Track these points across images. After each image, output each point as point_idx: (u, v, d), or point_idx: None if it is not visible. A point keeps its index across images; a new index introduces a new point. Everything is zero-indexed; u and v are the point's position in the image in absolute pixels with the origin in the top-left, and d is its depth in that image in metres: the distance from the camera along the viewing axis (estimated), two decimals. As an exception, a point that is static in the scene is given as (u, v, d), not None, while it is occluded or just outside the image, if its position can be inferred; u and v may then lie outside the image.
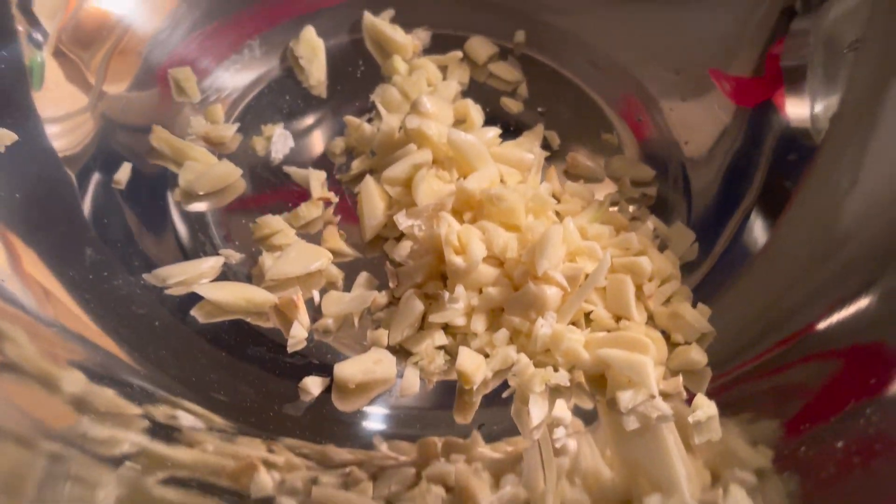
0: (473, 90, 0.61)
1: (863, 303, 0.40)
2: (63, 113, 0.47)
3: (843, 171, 0.44)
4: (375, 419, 0.43)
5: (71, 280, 0.43)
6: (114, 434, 0.34)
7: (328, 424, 0.41)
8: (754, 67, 0.54)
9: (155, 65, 0.55)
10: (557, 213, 0.51)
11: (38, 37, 0.48)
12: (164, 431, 0.36)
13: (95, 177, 0.49)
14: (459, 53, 0.62)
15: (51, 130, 0.47)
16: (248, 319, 0.47)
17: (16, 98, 0.46)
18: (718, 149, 0.55)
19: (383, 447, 0.41)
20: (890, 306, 0.39)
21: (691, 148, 0.56)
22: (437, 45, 0.63)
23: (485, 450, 0.42)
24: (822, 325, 0.43)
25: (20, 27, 0.47)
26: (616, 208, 0.54)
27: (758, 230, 0.50)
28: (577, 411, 0.43)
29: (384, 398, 0.44)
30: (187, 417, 0.38)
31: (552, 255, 0.44)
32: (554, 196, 0.54)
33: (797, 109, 0.50)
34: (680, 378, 0.43)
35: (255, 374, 0.44)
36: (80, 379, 0.36)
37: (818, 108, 0.48)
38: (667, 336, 0.46)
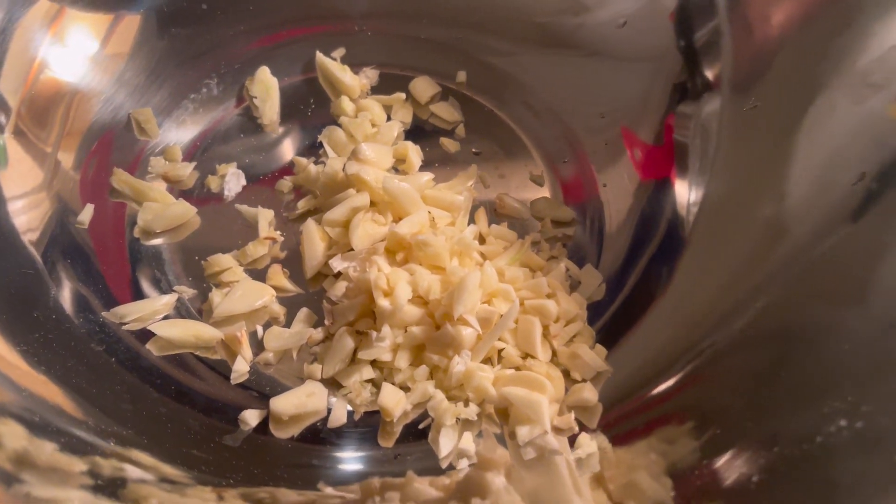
0: (415, 129, 0.66)
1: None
2: (24, 190, 0.52)
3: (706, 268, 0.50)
4: (320, 457, 0.48)
5: (35, 320, 0.48)
6: (56, 494, 0.38)
7: (270, 463, 0.47)
8: (655, 136, 0.59)
9: (109, 125, 0.60)
10: (482, 255, 0.57)
11: (2, 118, 0.52)
12: (110, 488, 0.39)
13: (53, 222, 0.54)
14: (403, 95, 0.67)
15: (14, 207, 0.51)
16: (197, 353, 0.52)
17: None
18: (632, 199, 0.60)
19: (328, 490, 0.47)
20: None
21: (608, 192, 0.61)
22: (385, 83, 0.68)
23: (421, 485, 0.48)
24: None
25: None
26: (537, 247, 0.59)
27: (660, 276, 0.56)
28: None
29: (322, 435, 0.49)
30: (134, 470, 0.42)
31: (468, 301, 0.49)
32: (480, 237, 0.59)
33: (682, 190, 0.55)
34: (572, 414, 0.49)
35: (202, 406, 0.49)
36: (21, 433, 0.40)
37: (692, 195, 0.53)
38: (567, 373, 0.52)
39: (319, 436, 0.50)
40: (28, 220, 0.52)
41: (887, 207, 0.41)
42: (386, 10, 0.68)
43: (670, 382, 0.48)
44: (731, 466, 0.38)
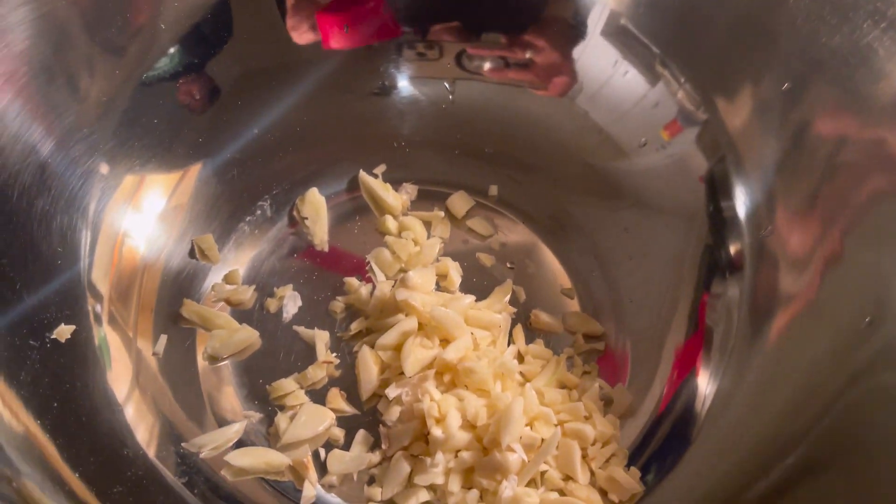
0: (453, 244, 0.71)
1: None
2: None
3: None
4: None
5: (125, 457, 0.54)
6: None
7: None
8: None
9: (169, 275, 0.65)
10: (522, 374, 0.62)
11: (98, 309, 0.58)
12: None
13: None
14: (441, 213, 0.72)
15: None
16: (267, 477, 0.57)
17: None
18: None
19: None
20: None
21: (634, 307, 0.67)
22: (423, 198, 0.74)
23: None
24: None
25: (89, 306, 0.57)
26: (570, 362, 0.64)
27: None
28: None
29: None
30: None
31: (514, 431, 0.54)
32: (519, 354, 0.64)
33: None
34: (612, 536, 0.54)
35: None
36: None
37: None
38: (604, 493, 0.57)
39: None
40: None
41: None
42: (426, 135, 0.73)
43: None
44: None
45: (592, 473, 0.58)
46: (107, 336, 0.57)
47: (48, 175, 0.55)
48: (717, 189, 0.60)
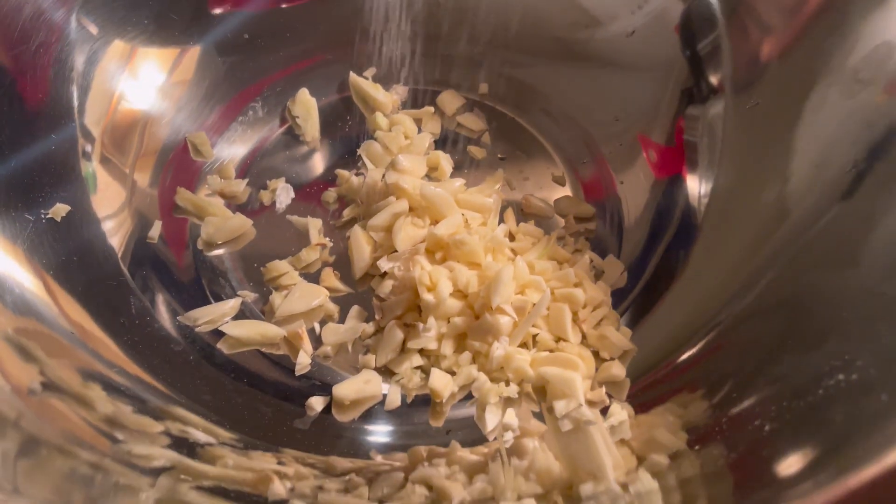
0: (444, 139, 0.72)
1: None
2: (112, 210, 0.59)
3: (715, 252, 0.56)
4: (372, 433, 0.54)
5: (121, 325, 0.55)
6: (151, 451, 0.44)
7: (331, 438, 0.53)
8: (667, 137, 0.65)
9: (172, 145, 0.66)
10: (513, 251, 0.63)
11: (89, 148, 0.59)
12: (192, 448, 0.47)
13: (134, 237, 0.60)
14: (431, 109, 0.73)
15: (106, 227, 0.58)
16: (263, 349, 0.58)
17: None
18: (648, 195, 0.65)
19: (378, 458, 0.52)
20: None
21: (626, 189, 0.67)
22: (414, 98, 0.74)
23: (463, 453, 0.53)
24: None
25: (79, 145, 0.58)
26: (562, 242, 0.65)
27: (676, 261, 0.61)
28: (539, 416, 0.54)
29: (376, 413, 0.55)
30: (214, 437, 0.49)
31: (503, 292, 0.55)
32: (510, 234, 0.65)
33: (693, 184, 0.61)
34: (603, 389, 0.54)
35: (271, 396, 0.55)
36: (125, 409, 0.47)
37: (703, 188, 0.59)
38: (596, 353, 0.57)
39: (375, 417, 0.56)
40: (116, 237, 0.58)
41: (876, 182, 0.46)
42: (414, 33, 0.74)
43: (689, 354, 0.53)
44: (743, 419, 0.43)
45: (584, 336, 0.58)
46: (95, 171, 0.58)
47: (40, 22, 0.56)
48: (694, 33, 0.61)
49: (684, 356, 0.55)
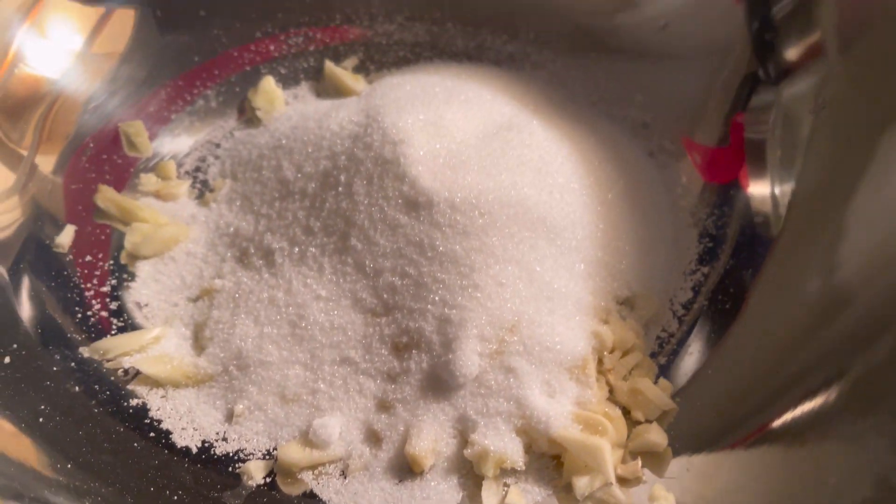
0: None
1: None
2: None
3: (803, 267, 0.43)
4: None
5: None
6: None
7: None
8: (719, 136, 0.53)
9: (95, 132, 0.53)
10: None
11: None
12: None
13: (24, 233, 0.47)
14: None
15: None
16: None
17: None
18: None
19: None
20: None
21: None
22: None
23: None
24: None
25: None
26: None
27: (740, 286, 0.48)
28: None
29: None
30: None
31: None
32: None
33: (759, 189, 0.48)
34: (639, 461, 0.41)
35: (194, 459, 0.42)
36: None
37: (777, 190, 0.47)
38: (627, 413, 0.44)
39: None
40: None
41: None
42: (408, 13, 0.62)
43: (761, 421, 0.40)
44: None
45: (612, 389, 0.45)
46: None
47: None
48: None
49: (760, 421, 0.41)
